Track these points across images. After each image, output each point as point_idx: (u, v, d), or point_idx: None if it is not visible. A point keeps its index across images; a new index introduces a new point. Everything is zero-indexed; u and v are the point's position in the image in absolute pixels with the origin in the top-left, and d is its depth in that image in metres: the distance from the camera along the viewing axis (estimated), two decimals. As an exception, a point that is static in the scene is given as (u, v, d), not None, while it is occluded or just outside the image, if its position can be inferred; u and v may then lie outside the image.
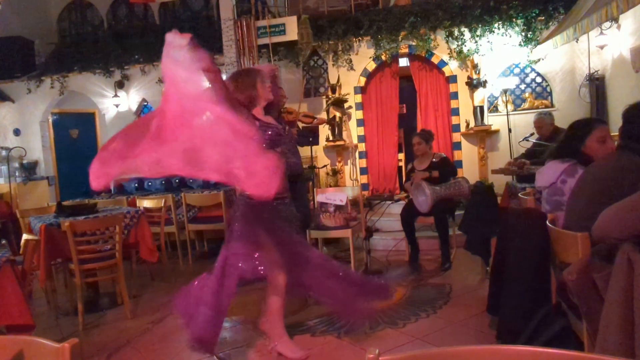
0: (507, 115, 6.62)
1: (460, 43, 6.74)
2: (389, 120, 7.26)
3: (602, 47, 6.12)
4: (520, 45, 6.61)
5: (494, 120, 6.85)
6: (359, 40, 7.14)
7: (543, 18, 6.54)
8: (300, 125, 5.31)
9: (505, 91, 6.67)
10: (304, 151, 5.10)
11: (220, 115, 2.03)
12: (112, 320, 3.84)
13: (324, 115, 6.95)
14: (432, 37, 6.81)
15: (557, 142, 2.86)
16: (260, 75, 2.70)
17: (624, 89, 5.70)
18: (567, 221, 2.24)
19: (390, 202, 5.20)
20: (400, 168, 7.32)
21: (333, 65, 7.23)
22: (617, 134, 2.35)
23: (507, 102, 6.73)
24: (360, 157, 7.28)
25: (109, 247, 3.83)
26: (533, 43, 6.54)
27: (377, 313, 3.23)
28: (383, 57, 7.04)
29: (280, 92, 4.90)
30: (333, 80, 7.13)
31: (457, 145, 7.01)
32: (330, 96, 7.04)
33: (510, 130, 6.57)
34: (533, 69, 6.86)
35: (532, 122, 5.13)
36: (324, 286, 2.79)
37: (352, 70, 7.16)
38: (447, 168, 4.81)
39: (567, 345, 2.16)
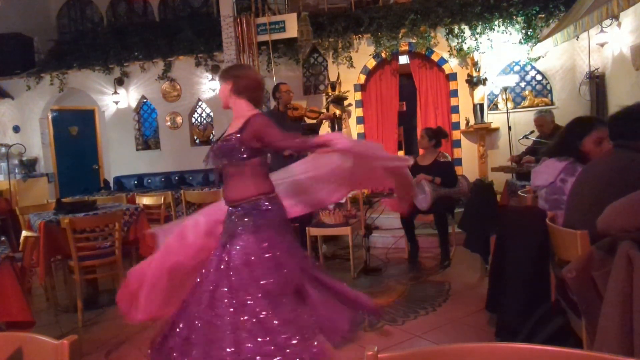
0: (507, 113, 6.61)
1: (460, 41, 6.73)
2: (388, 118, 7.26)
3: (602, 45, 6.11)
4: (520, 43, 6.60)
5: (493, 118, 6.84)
6: (359, 37, 7.12)
7: (543, 16, 6.53)
8: (307, 120, 5.32)
9: (505, 89, 6.66)
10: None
11: None
12: (111, 317, 3.84)
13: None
14: (432, 34, 6.80)
15: (555, 138, 2.86)
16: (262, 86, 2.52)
17: (624, 87, 5.70)
18: (567, 219, 2.24)
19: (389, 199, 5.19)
20: (399, 166, 7.30)
21: (333, 62, 7.21)
22: None
23: (507, 99, 6.72)
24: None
25: (109, 244, 3.83)
26: (533, 41, 6.53)
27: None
28: (383, 55, 7.03)
29: (286, 87, 4.91)
30: (333, 78, 7.11)
31: (457, 143, 7.01)
32: (330, 94, 7.03)
33: (510, 128, 6.57)
34: (533, 67, 6.85)
35: (532, 120, 5.12)
36: None
37: (352, 67, 7.15)
38: (448, 178, 4.77)
39: (566, 342, 2.16)
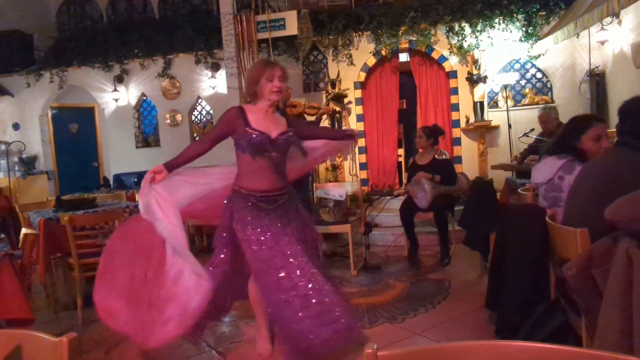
0: (507, 110, 6.60)
1: (460, 38, 6.72)
2: (388, 116, 7.25)
3: (602, 43, 6.11)
4: (520, 40, 6.59)
5: (494, 116, 6.84)
6: (359, 35, 7.11)
7: (544, 13, 6.52)
8: (307, 117, 5.31)
9: (505, 87, 6.66)
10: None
11: None
12: (111, 314, 3.84)
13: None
14: (433, 32, 6.78)
15: (555, 137, 2.87)
16: (268, 73, 2.52)
17: (625, 84, 5.69)
18: (566, 217, 2.24)
19: (389, 197, 5.18)
20: (400, 163, 7.31)
21: (333, 60, 7.20)
22: (614, 130, 2.35)
23: (507, 97, 6.72)
24: (359, 153, 7.27)
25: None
26: (534, 38, 6.52)
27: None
28: (383, 52, 7.02)
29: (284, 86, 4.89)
30: (333, 75, 7.10)
31: (457, 141, 7.00)
32: (330, 91, 7.02)
33: (510, 126, 6.56)
34: (533, 65, 6.84)
35: (536, 117, 5.11)
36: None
37: (352, 65, 7.13)
38: (448, 176, 4.75)
39: (566, 341, 2.16)
